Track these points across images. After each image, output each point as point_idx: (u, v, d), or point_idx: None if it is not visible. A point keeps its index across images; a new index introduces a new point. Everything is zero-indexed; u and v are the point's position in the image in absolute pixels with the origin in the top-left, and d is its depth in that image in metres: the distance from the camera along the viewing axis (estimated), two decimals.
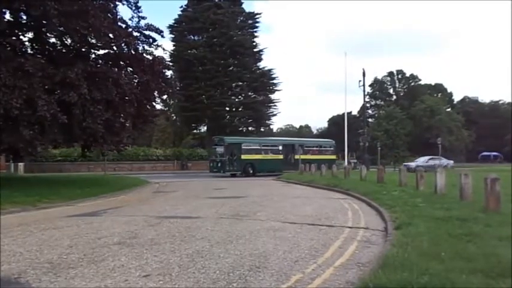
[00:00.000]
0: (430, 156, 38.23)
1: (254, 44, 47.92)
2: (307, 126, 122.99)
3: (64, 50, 16.35)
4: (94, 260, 4.84)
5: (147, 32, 17.34)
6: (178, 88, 36.52)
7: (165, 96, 24.25)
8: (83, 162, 33.86)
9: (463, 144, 69.30)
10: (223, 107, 45.41)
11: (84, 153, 20.66)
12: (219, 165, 30.03)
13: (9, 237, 6.36)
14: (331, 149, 36.95)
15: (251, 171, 30.82)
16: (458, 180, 8.99)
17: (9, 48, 14.08)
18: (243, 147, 31.39)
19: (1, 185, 12.84)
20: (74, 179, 19.97)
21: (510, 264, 3.74)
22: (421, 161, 36.76)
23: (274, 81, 48.94)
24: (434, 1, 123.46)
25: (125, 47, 16.31)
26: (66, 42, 16.23)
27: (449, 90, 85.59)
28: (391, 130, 59.44)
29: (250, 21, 48.78)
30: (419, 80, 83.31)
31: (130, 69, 17.41)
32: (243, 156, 30.92)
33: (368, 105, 76.37)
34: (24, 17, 15.09)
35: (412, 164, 33.59)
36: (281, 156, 33.15)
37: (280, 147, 33.85)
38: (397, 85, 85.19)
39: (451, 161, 38.04)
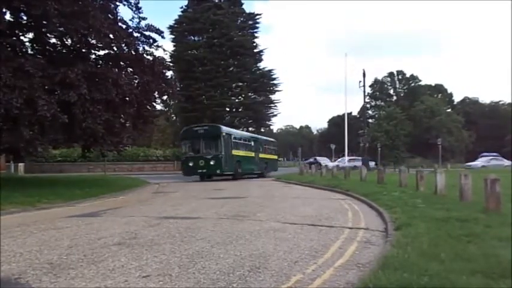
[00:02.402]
0: (353, 157, 39.73)
1: (254, 44, 48.01)
2: (307, 127, 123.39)
3: (64, 51, 16.38)
4: (94, 261, 4.84)
5: (147, 33, 17.39)
6: (178, 89, 36.43)
7: (165, 97, 23.94)
8: (83, 163, 33.90)
9: (463, 145, 69.42)
10: (223, 107, 45.48)
11: (84, 154, 20.68)
12: (212, 164, 22.60)
13: (9, 238, 6.36)
14: (275, 148, 34.61)
15: (239, 172, 25.03)
16: (458, 180, 8.99)
17: (9, 49, 14.11)
18: (233, 140, 24.61)
19: (1, 185, 12.84)
20: (74, 180, 19.97)
21: (510, 264, 3.74)
22: (343, 160, 38.88)
23: (275, 81, 49.10)
24: (434, 2, 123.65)
25: (125, 47, 16.34)
26: (66, 42, 16.26)
27: (449, 91, 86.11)
28: (391, 131, 59.41)
29: (250, 22, 48.86)
30: (420, 80, 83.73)
31: (131, 69, 17.44)
32: (234, 152, 24.23)
33: (368, 105, 76.63)
34: (25, 17, 15.12)
35: (331, 164, 34.80)
36: (253, 154, 27.72)
37: (253, 143, 28.22)
38: (397, 86, 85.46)
39: (373, 162, 39.55)
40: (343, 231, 6.81)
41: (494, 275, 3.57)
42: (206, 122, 46.78)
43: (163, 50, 18.99)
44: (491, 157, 41.15)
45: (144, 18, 17.54)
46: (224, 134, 23.56)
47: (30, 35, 15.91)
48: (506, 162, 39.98)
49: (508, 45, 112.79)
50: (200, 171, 23.12)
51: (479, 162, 39.20)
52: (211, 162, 22.68)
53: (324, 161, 45.61)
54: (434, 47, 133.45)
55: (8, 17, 14.70)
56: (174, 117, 55.25)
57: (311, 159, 46.89)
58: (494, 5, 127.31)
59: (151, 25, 17.35)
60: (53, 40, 16.22)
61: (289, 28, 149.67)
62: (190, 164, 23.24)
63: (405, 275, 3.55)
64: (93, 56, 17.21)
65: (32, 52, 15.84)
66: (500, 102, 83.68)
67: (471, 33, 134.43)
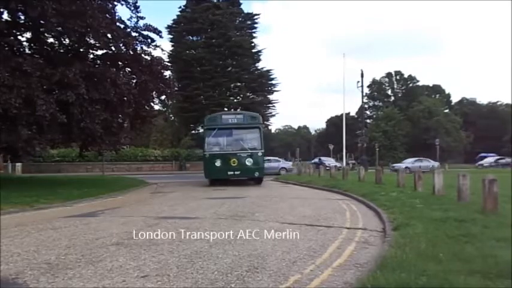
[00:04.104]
0: (274, 158, 40.28)
1: (253, 44, 47.91)
2: (305, 127, 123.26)
3: (62, 50, 16.36)
4: (92, 261, 4.83)
5: (145, 33, 17.40)
6: (176, 88, 36.23)
7: (163, 97, 23.96)
8: (81, 163, 33.82)
9: (461, 146, 69.52)
10: (221, 107, 45.32)
11: (82, 153, 20.65)
12: (249, 164, 17.61)
13: (7, 238, 6.34)
14: None
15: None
16: (456, 181, 9.01)
17: (7, 48, 14.08)
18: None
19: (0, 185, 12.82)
20: (72, 180, 19.93)
21: (508, 265, 3.75)
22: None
23: (273, 81, 48.95)
24: (433, 2, 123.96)
25: (123, 47, 16.33)
26: (64, 42, 16.24)
27: (447, 92, 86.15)
28: (389, 131, 59.55)
29: (248, 22, 48.79)
30: (418, 81, 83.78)
31: (129, 69, 17.43)
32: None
33: (366, 106, 76.59)
34: (22, 17, 15.09)
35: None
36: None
37: None
38: (395, 86, 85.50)
39: (290, 163, 40.17)
40: (341, 231, 6.81)
41: (492, 275, 3.58)
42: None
43: (162, 49, 19.14)
44: (416, 158, 40.88)
45: (142, 18, 17.58)
46: (263, 126, 18.61)
47: (28, 35, 15.90)
48: (433, 163, 39.42)
49: (507, 46, 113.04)
50: (231, 172, 17.78)
51: (404, 164, 38.70)
52: (248, 162, 17.59)
53: (328, 161, 44.03)
54: (432, 48, 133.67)
55: (5, 16, 14.68)
56: (172, 117, 55.20)
57: (316, 160, 45.83)
58: (494, 5, 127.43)
59: (149, 25, 17.37)
60: (51, 40, 16.21)
61: (288, 29, 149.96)
62: (217, 164, 17.60)
63: (403, 275, 3.55)
64: (91, 56, 17.20)
65: (30, 52, 15.81)
66: (498, 103, 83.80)
67: (469, 34, 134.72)
